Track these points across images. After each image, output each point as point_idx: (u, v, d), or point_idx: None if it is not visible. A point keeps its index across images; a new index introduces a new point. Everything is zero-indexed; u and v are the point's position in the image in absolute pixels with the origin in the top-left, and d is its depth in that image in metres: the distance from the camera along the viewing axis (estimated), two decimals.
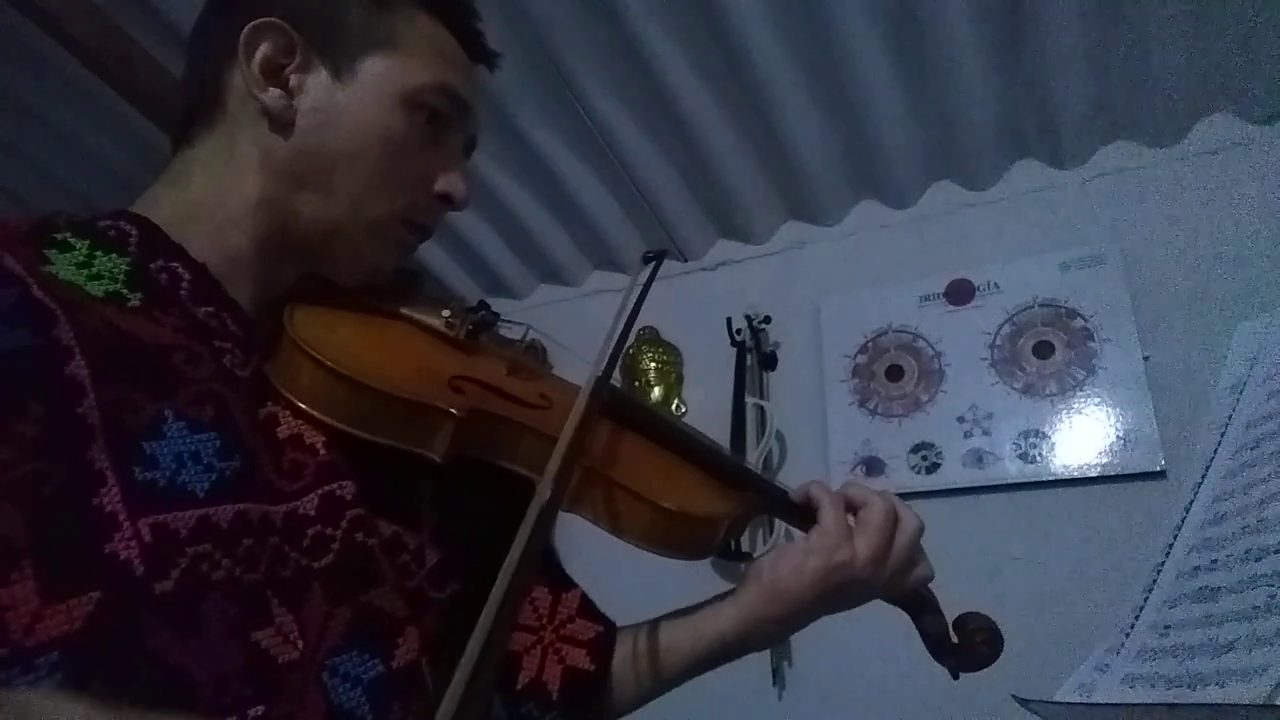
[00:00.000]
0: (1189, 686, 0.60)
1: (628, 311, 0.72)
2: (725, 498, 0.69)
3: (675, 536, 0.64)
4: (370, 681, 0.53)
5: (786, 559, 0.69)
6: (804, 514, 0.73)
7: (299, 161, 0.61)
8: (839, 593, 0.69)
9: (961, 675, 0.76)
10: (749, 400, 1.87)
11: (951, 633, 0.75)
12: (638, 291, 0.75)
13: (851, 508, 0.71)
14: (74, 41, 1.51)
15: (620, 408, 0.69)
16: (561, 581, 0.75)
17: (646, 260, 0.83)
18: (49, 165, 1.97)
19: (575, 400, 0.59)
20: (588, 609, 0.74)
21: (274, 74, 0.61)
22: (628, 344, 2.04)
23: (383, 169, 0.62)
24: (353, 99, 0.61)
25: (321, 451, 0.57)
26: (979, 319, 1.77)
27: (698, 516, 0.65)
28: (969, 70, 1.58)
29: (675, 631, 0.73)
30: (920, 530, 0.71)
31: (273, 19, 0.60)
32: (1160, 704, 0.62)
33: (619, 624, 0.76)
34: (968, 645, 0.74)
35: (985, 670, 0.75)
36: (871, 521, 0.69)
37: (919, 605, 0.75)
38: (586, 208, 2.00)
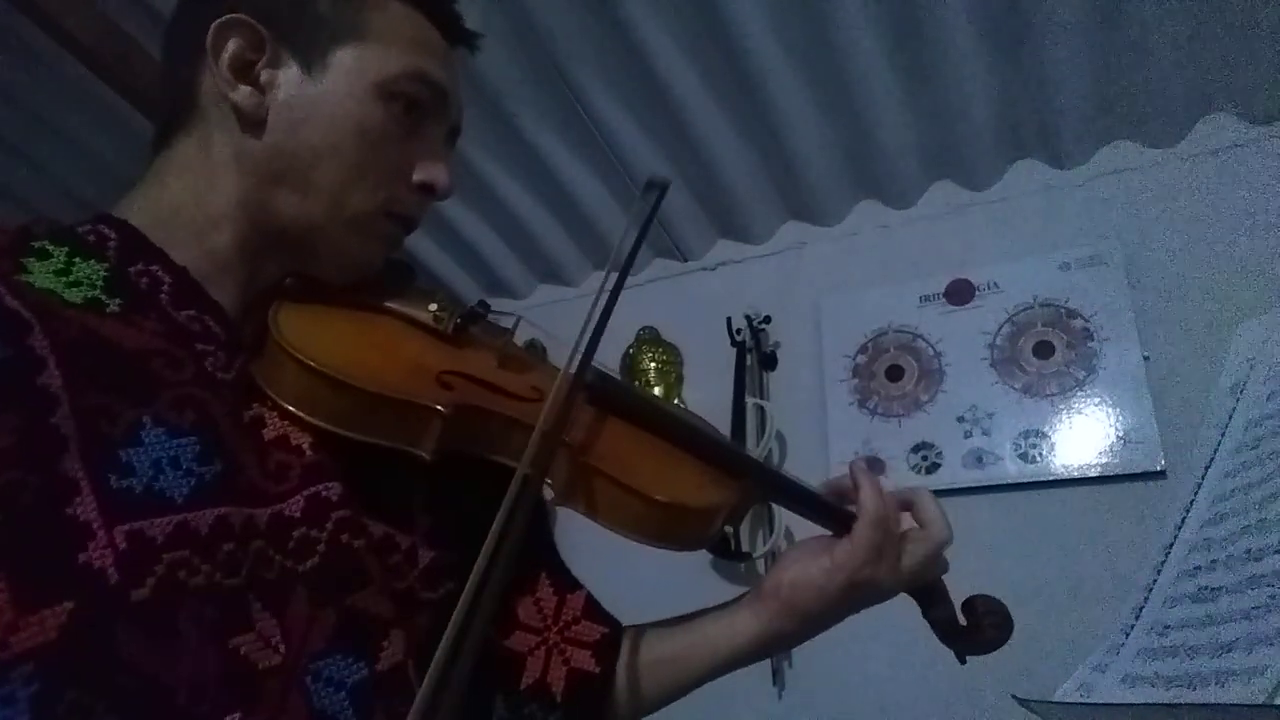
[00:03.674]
0: (1189, 686, 0.60)
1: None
2: (721, 486, 0.67)
3: (669, 528, 0.63)
4: (354, 685, 0.52)
5: (809, 578, 0.68)
6: (821, 510, 0.72)
7: (275, 159, 0.60)
8: (861, 603, 0.69)
9: (968, 660, 0.74)
10: (749, 400, 1.87)
11: (960, 615, 0.73)
12: (640, 226, 0.71)
13: (907, 509, 0.71)
14: (73, 40, 1.51)
15: (609, 395, 0.68)
16: (567, 582, 0.75)
17: (650, 187, 0.78)
18: (48, 165, 1.97)
19: (565, 390, 0.58)
20: (593, 610, 0.74)
21: (244, 71, 0.60)
22: (628, 344, 2.04)
23: (360, 162, 0.61)
24: (325, 92, 0.60)
25: (308, 452, 0.57)
26: (979, 319, 1.77)
27: (691, 507, 0.64)
28: (969, 70, 1.58)
29: (688, 641, 0.72)
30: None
31: (239, 15, 0.59)
32: (1160, 704, 0.62)
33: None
34: (976, 629, 0.72)
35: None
36: (925, 546, 0.69)
37: (929, 595, 0.74)
38: (586, 208, 2.00)
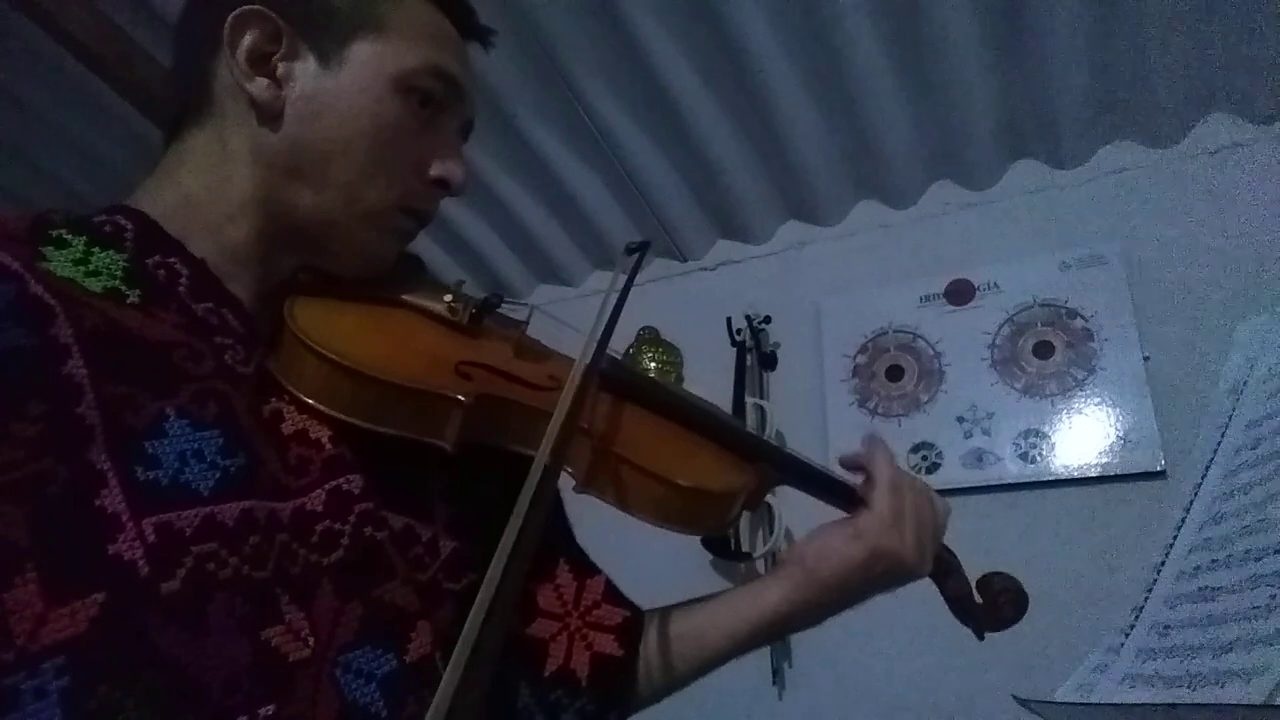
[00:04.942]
0: (1189, 686, 0.60)
1: (613, 302, 0.70)
2: (740, 471, 0.68)
3: (690, 513, 0.63)
4: (384, 677, 0.52)
5: (832, 546, 0.70)
6: (838, 491, 0.73)
7: (291, 153, 0.60)
8: (884, 579, 0.70)
9: (985, 636, 0.76)
10: (749, 400, 1.87)
11: (975, 593, 0.75)
12: (621, 286, 0.73)
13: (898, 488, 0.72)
14: (73, 40, 1.51)
15: (626, 383, 0.68)
16: (586, 567, 0.75)
17: (629, 252, 0.80)
18: (48, 165, 1.97)
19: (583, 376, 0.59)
20: (613, 594, 0.74)
21: (261, 63, 0.59)
22: (628, 344, 2.04)
23: (376, 156, 0.60)
24: (342, 86, 0.60)
25: (328, 446, 0.57)
26: (979, 319, 1.77)
27: (712, 492, 0.64)
28: (969, 70, 1.58)
29: (712, 614, 0.73)
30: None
31: (257, 6, 0.59)
32: (1160, 704, 0.62)
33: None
34: (991, 606, 0.74)
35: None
36: (923, 513, 0.71)
37: (944, 570, 0.75)
38: (586, 208, 2.00)
